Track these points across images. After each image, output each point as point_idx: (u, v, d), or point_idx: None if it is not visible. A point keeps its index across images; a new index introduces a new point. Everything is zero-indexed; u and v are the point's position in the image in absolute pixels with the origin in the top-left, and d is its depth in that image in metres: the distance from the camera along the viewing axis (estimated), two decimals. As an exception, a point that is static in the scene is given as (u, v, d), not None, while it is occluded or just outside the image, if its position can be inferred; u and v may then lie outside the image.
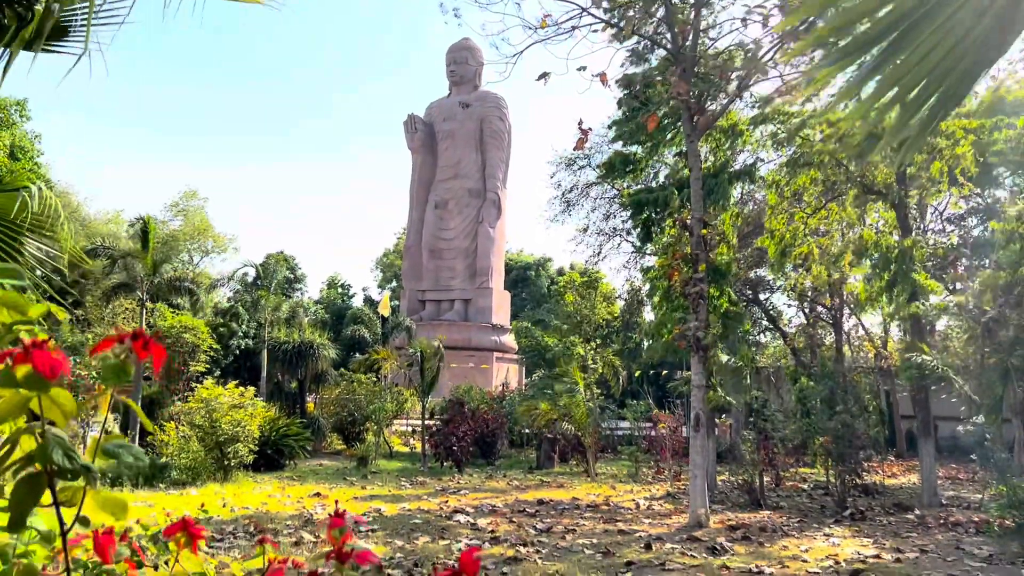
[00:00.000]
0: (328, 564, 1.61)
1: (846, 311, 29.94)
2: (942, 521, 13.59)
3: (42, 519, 1.72)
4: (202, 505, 12.51)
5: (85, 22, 5.38)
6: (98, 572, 1.82)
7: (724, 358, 18.39)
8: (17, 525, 1.45)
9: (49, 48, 5.67)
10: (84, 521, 1.59)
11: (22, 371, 1.37)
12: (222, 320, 34.52)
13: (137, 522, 2.25)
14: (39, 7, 5.12)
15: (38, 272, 6.32)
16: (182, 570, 1.97)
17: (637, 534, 12.08)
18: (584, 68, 14.19)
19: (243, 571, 2.19)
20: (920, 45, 1.68)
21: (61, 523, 1.54)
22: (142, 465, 1.64)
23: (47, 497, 1.48)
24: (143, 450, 1.67)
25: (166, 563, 2.01)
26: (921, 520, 13.79)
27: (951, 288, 28.32)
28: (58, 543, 1.58)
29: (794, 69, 15.44)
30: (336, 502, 2.05)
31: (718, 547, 10.96)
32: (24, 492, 1.41)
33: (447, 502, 15.14)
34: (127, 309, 35.50)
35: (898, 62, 1.74)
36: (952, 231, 31.03)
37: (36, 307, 1.48)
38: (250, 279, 35.48)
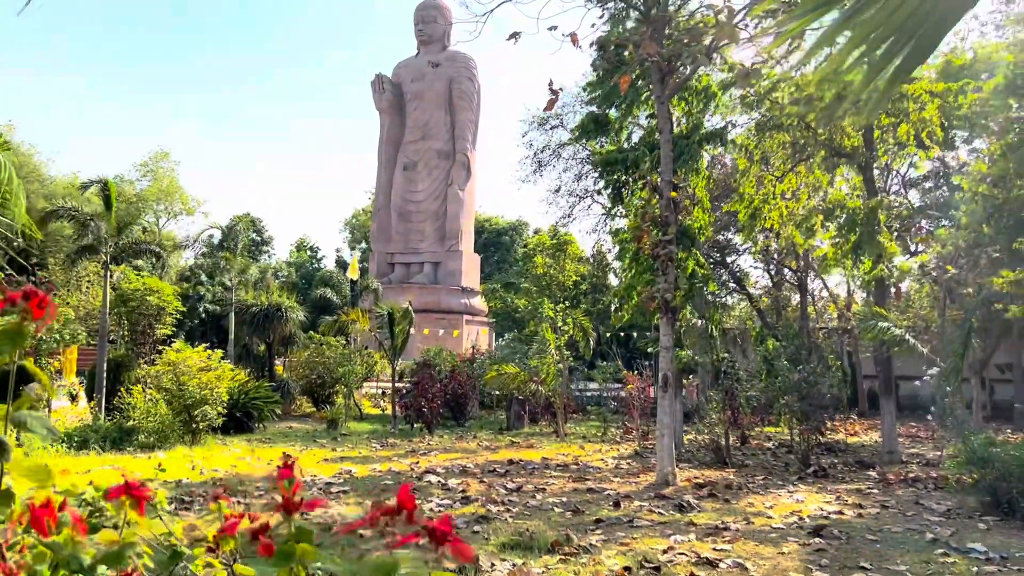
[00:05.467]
0: (277, 515, 1.55)
1: (811, 273, 30.37)
2: (902, 478, 13.93)
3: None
4: (159, 465, 12.39)
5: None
6: (37, 547, 1.67)
7: (693, 320, 18.56)
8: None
9: None
10: (5, 495, 1.50)
11: None
12: (188, 283, 34.09)
13: (91, 484, 2.21)
14: None
15: None
16: (132, 532, 1.91)
17: (606, 492, 12.24)
18: (555, 28, 14.00)
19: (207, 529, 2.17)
20: None
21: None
22: (55, 436, 1.54)
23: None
24: (49, 420, 1.54)
25: (126, 524, 1.95)
26: (882, 477, 14.13)
27: (913, 251, 28.79)
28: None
29: (767, 33, 15.40)
30: (285, 453, 2.02)
31: (685, 504, 11.15)
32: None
33: (418, 463, 15.22)
34: (91, 272, 34.92)
35: (869, 14, 1.73)
36: (918, 194, 31.45)
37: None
38: (216, 241, 35.02)
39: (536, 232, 58.68)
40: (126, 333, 23.70)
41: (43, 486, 1.48)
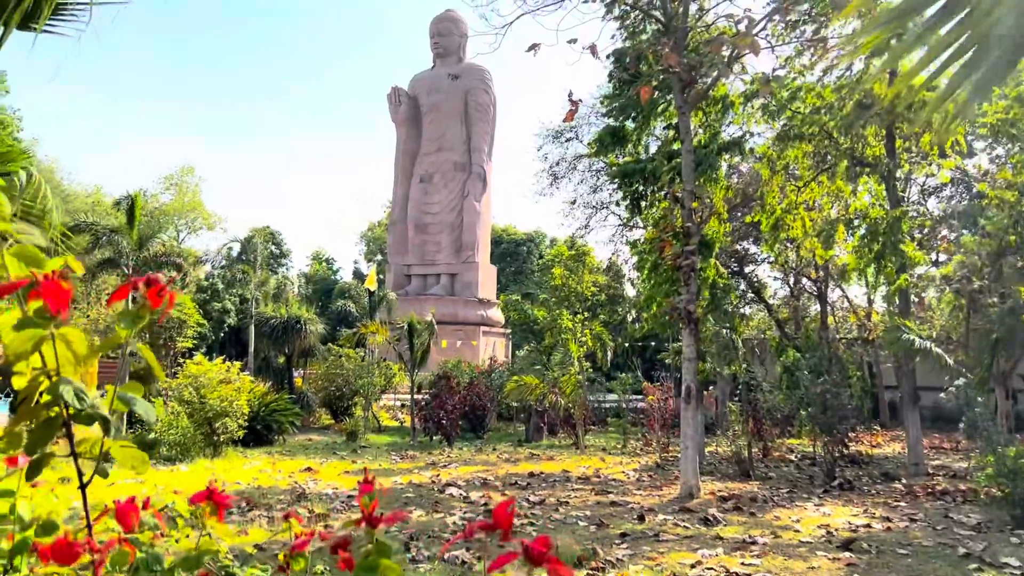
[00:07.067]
0: (359, 529, 1.58)
1: (831, 283, 30.10)
2: (929, 490, 13.73)
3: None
4: (213, 480, 12.49)
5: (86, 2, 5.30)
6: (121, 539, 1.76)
7: (715, 330, 18.44)
8: (35, 471, 1.46)
9: (49, 29, 5.57)
10: (103, 472, 1.55)
11: (34, 305, 1.33)
12: (207, 295, 34.22)
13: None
14: None
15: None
16: (209, 540, 1.95)
17: (629, 505, 12.13)
18: (575, 40, 13.98)
19: (267, 542, 2.16)
20: (977, 8, 1.63)
21: (79, 473, 1.52)
22: (152, 417, 1.64)
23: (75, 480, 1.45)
24: (150, 403, 1.66)
25: (192, 530, 2.01)
26: (909, 489, 13.93)
27: (935, 261, 28.50)
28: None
29: (795, 40, 15.38)
30: (365, 469, 2.05)
31: (711, 518, 11.03)
32: (39, 433, 1.42)
33: (438, 476, 15.16)
34: (111, 285, 35.20)
35: (952, 25, 1.68)
36: (938, 203, 31.19)
37: (53, 261, 1.43)
38: (235, 254, 35.20)
39: (553, 243, 58.52)
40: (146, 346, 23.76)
41: (140, 472, 1.55)
